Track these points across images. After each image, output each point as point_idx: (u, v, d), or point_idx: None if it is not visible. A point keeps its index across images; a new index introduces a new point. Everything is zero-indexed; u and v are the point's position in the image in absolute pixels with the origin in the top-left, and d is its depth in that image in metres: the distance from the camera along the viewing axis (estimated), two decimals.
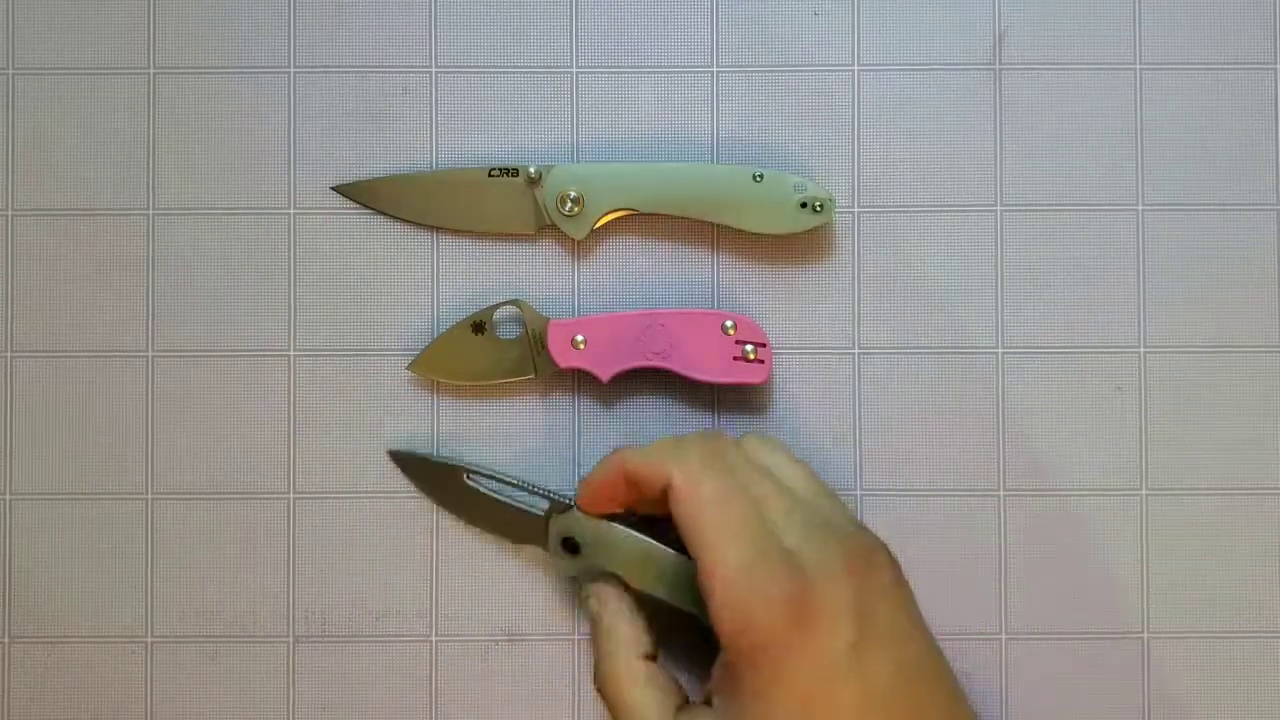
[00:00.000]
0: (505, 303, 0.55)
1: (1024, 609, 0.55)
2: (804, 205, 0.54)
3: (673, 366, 0.54)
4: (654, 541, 0.51)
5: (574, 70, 0.57)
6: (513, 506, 0.54)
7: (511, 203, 0.55)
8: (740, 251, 0.56)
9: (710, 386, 0.55)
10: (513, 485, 0.54)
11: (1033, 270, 0.56)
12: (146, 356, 0.56)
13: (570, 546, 0.52)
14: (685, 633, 0.53)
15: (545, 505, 0.53)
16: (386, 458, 0.56)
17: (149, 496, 0.56)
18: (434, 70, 0.57)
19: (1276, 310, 0.56)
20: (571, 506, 0.52)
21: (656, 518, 0.50)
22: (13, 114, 0.57)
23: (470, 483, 0.55)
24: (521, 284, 0.56)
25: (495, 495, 0.54)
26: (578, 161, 0.56)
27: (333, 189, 0.56)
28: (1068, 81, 0.56)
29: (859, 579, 0.44)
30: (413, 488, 0.55)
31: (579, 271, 0.56)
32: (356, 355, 0.56)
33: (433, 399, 0.56)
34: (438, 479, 0.55)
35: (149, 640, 0.55)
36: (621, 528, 0.51)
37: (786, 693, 0.42)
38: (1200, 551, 0.55)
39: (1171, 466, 0.55)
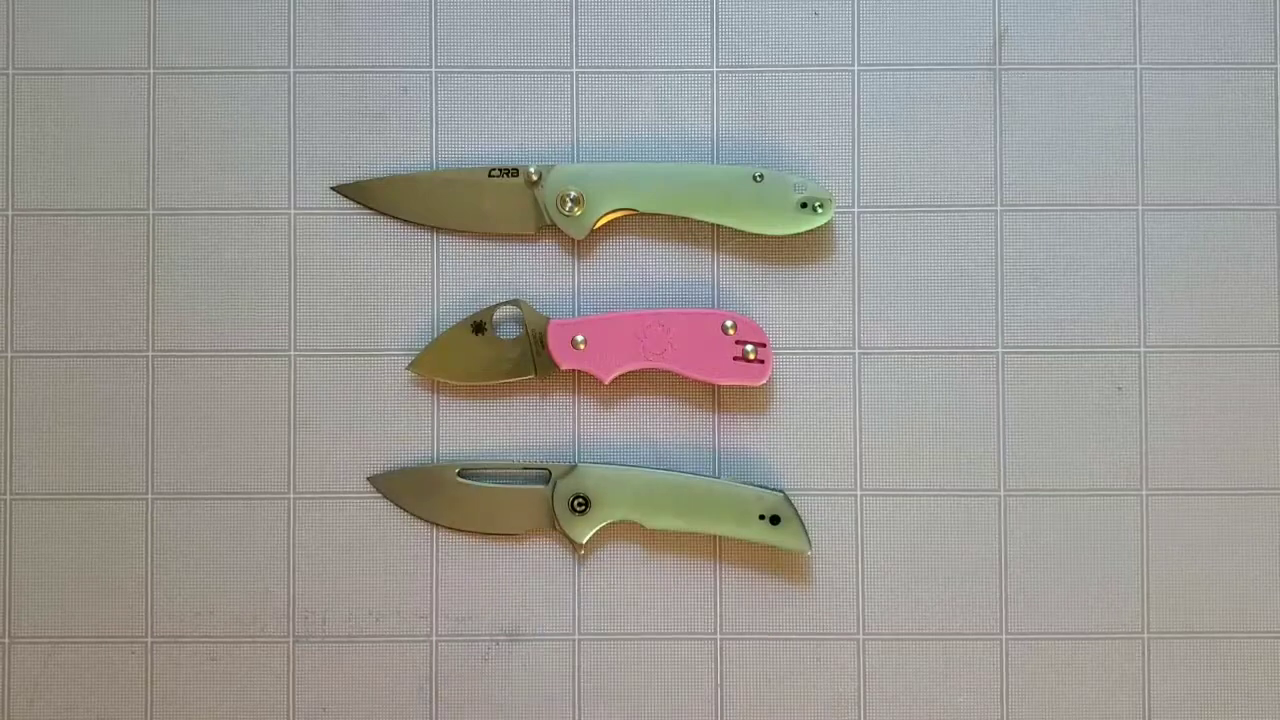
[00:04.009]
0: (505, 303, 0.55)
1: (1024, 609, 0.55)
2: (804, 205, 0.54)
3: (673, 367, 0.54)
4: (661, 471, 0.53)
5: (574, 70, 0.57)
6: (513, 489, 0.54)
7: (511, 203, 0.55)
8: (740, 251, 0.56)
9: (710, 386, 0.55)
10: (507, 469, 0.55)
11: (1033, 270, 0.56)
12: (146, 356, 0.56)
13: (579, 505, 0.53)
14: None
15: (547, 474, 0.54)
16: (386, 457, 0.56)
17: (149, 496, 0.56)
18: (434, 70, 0.57)
19: (1276, 310, 0.56)
20: (574, 467, 0.54)
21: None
22: (13, 114, 0.56)
23: (463, 480, 0.55)
24: (521, 284, 0.56)
25: (492, 485, 0.55)
26: (578, 161, 0.56)
27: (333, 189, 0.56)
28: (1068, 81, 0.56)
29: None
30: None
31: (579, 271, 0.56)
32: (356, 355, 0.56)
33: (433, 399, 0.56)
34: (427, 486, 0.55)
35: (149, 640, 0.55)
36: (627, 467, 0.54)
37: None
38: (1200, 551, 0.55)
39: (1171, 466, 0.55)
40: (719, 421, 0.56)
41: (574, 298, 0.56)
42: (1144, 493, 0.55)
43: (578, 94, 0.56)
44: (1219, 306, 0.56)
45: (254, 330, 0.56)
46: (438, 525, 0.55)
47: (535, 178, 0.55)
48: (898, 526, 0.55)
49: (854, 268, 0.56)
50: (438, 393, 0.56)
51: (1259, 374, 0.56)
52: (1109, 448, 0.56)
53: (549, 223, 0.55)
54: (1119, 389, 0.56)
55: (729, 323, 0.54)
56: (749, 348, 0.54)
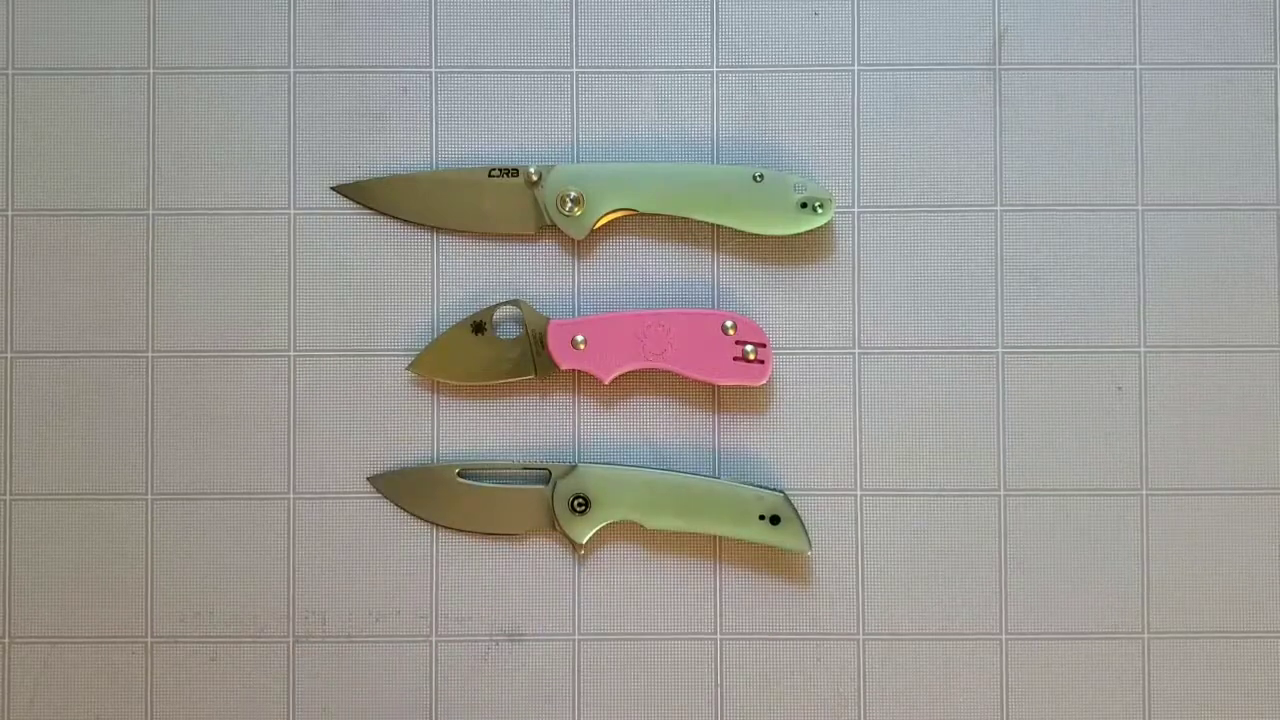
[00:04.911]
0: (505, 303, 0.55)
1: (1024, 609, 0.55)
2: (804, 205, 0.54)
3: (673, 367, 0.54)
4: (661, 471, 0.53)
5: (574, 70, 0.57)
6: (513, 489, 0.54)
7: (511, 203, 0.55)
8: (740, 251, 0.56)
9: (710, 386, 0.55)
10: (507, 469, 0.55)
11: (1033, 270, 0.56)
12: (146, 356, 0.56)
13: (579, 505, 0.53)
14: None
15: (547, 474, 0.54)
16: (386, 457, 0.56)
17: (149, 496, 0.56)
18: (434, 70, 0.57)
19: (1276, 310, 0.56)
20: (574, 467, 0.54)
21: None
22: (13, 114, 0.56)
23: (463, 480, 0.55)
24: (521, 284, 0.56)
25: (492, 485, 0.55)
26: (578, 161, 0.56)
27: (333, 189, 0.56)
28: (1068, 81, 0.56)
29: None
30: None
31: (579, 271, 0.56)
32: (356, 355, 0.56)
33: (433, 399, 0.56)
34: (427, 487, 0.55)
35: (149, 640, 0.55)
36: (628, 467, 0.54)
37: None
38: (1200, 551, 0.55)
39: (1171, 466, 0.55)
40: (719, 421, 0.56)
41: (574, 298, 0.56)
42: (1144, 493, 0.55)
43: (578, 94, 0.56)
44: (1219, 306, 0.56)
45: (254, 330, 0.56)
46: (438, 525, 0.55)
47: (535, 178, 0.55)
48: (898, 526, 0.55)
49: (854, 268, 0.56)
50: (438, 393, 0.56)
51: (1259, 374, 0.56)
52: (1109, 448, 0.56)
53: (549, 223, 0.55)
54: (1119, 389, 0.56)
55: (729, 323, 0.54)
56: (749, 348, 0.54)
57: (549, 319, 0.55)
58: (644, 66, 0.57)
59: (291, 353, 0.56)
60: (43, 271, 0.56)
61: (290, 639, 0.55)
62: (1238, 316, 0.56)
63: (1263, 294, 0.56)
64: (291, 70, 0.57)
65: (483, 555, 0.56)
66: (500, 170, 0.55)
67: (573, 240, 0.56)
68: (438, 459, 0.56)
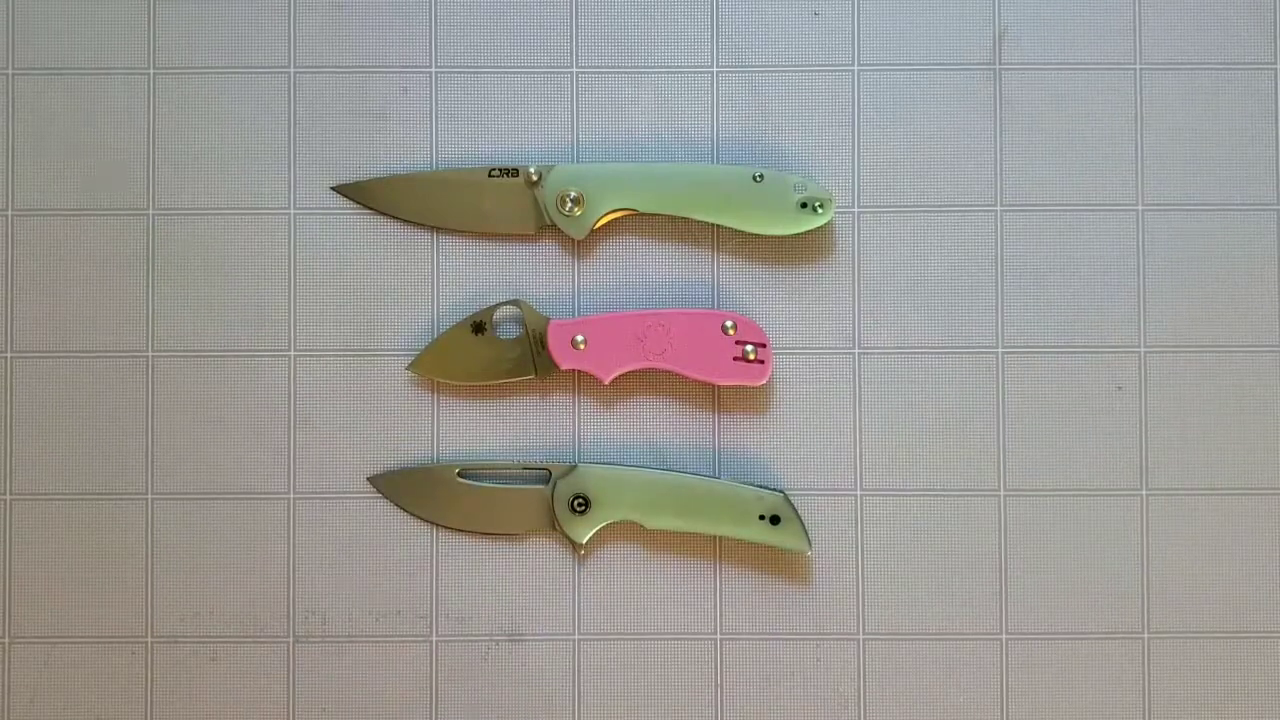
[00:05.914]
0: (505, 303, 0.55)
1: (1024, 609, 0.55)
2: (804, 205, 0.54)
3: (673, 367, 0.54)
4: (661, 471, 0.54)
5: (574, 70, 0.57)
6: (513, 489, 0.54)
7: (511, 203, 0.55)
8: (740, 251, 0.56)
9: (710, 386, 0.55)
10: (507, 469, 0.55)
11: (1033, 270, 0.56)
12: (146, 356, 0.56)
13: (579, 505, 0.53)
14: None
15: (547, 474, 0.54)
16: (386, 457, 0.56)
17: (149, 496, 0.56)
18: (434, 70, 0.57)
19: (1276, 310, 0.56)
20: (574, 467, 0.54)
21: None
22: (13, 114, 0.56)
23: (463, 480, 0.55)
24: (521, 284, 0.56)
25: (492, 485, 0.55)
26: (578, 161, 0.56)
27: (333, 189, 0.56)
28: (1068, 81, 0.56)
29: None
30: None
31: (579, 271, 0.56)
32: (356, 355, 0.56)
33: (433, 399, 0.56)
34: (427, 487, 0.55)
35: (149, 640, 0.55)
36: (628, 467, 0.54)
37: None
38: (1200, 551, 0.55)
39: (1171, 466, 0.55)
40: (719, 421, 0.56)
41: (574, 298, 0.56)
42: (1144, 493, 0.55)
43: (578, 94, 0.56)
44: (1219, 306, 0.56)
45: (254, 330, 0.56)
46: (438, 525, 0.55)
47: (535, 178, 0.55)
48: (898, 526, 0.55)
49: (854, 268, 0.56)
50: (438, 393, 0.56)
51: (1259, 374, 0.56)
52: (1109, 448, 0.56)
53: (549, 223, 0.55)
54: (1119, 389, 0.56)
55: (729, 323, 0.54)
56: (749, 348, 0.54)
57: (549, 319, 0.55)
58: (644, 66, 0.57)
59: (291, 353, 0.56)
60: (43, 271, 0.56)
61: (290, 639, 0.55)
62: (1238, 316, 0.56)
63: (1263, 294, 0.56)
64: (291, 70, 0.57)
65: (483, 555, 0.56)
66: (500, 170, 0.55)
67: (573, 240, 0.56)
68: (438, 459, 0.56)
